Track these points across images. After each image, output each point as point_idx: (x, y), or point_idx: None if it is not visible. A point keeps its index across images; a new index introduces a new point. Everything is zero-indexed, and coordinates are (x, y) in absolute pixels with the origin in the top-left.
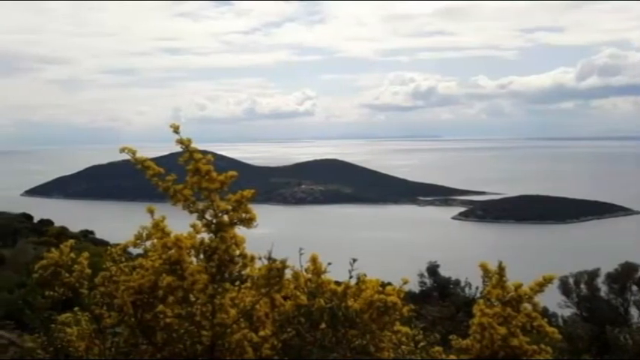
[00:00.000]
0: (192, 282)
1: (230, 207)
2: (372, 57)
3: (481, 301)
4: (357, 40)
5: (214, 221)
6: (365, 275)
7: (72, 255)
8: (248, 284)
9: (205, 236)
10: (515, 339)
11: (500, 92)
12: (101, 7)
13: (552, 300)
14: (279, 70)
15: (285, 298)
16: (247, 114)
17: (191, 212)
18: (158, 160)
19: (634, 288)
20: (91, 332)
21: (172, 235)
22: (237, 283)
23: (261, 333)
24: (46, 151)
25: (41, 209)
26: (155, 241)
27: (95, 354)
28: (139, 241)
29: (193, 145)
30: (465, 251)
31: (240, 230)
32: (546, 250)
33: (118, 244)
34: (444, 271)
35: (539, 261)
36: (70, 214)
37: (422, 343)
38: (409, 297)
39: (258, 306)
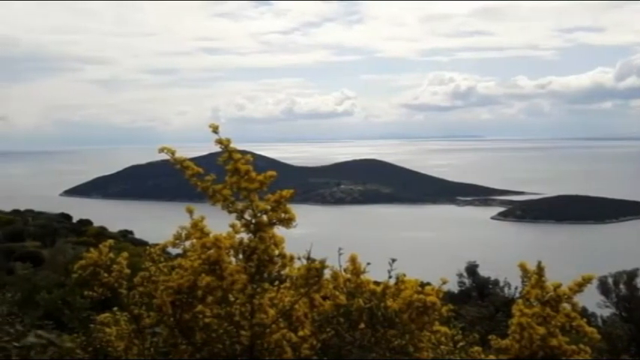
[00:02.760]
0: (231, 282)
1: (269, 207)
2: (410, 57)
3: (520, 301)
4: (395, 40)
5: (253, 221)
6: (404, 275)
7: (111, 255)
8: (287, 284)
9: (244, 236)
10: (555, 339)
11: (539, 92)
12: (141, 7)
13: (591, 300)
14: (317, 70)
15: (324, 298)
16: (286, 114)
17: (230, 212)
18: (197, 160)
19: None
20: (130, 332)
21: (211, 235)
22: (276, 283)
23: (300, 333)
24: (85, 151)
25: (80, 209)
26: (194, 241)
27: (134, 354)
28: (177, 241)
29: (232, 145)
30: (503, 251)
31: (279, 230)
32: (585, 250)
33: (157, 244)
34: (482, 271)
35: (578, 261)
36: (109, 214)
37: (461, 343)
38: (448, 297)
39: (297, 306)
